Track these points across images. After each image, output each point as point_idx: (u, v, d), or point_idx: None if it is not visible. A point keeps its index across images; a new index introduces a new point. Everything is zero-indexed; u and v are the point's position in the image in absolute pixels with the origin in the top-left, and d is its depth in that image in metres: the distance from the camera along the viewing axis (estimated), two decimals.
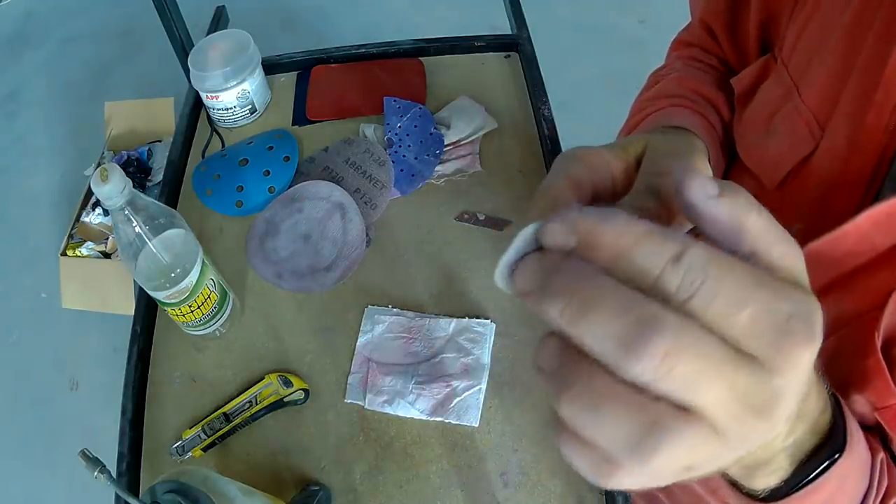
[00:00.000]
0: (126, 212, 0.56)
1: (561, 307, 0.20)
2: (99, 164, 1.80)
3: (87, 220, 1.69)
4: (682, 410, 0.20)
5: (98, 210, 1.68)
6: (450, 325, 0.70)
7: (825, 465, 0.29)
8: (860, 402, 0.39)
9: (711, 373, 0.19)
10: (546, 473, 0.62)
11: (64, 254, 1.67)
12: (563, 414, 0.21)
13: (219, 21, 1.06)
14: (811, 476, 0.29)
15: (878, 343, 0.37)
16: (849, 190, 0.42)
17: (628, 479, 0.21)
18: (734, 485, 0.31)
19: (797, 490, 0.29)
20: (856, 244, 0.38)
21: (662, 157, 0.33)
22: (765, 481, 0.29)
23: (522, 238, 0.24)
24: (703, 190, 0.22)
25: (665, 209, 0.30)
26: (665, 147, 0.34)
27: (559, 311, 0.20)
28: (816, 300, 0.22)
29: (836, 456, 0.29)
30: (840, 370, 0.40)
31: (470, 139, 0.85)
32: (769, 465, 0.28)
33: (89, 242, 1.67)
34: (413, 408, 0.65)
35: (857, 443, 0.31)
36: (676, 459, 0.20)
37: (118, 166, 0.56)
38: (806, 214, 0.46)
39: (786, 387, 0.20)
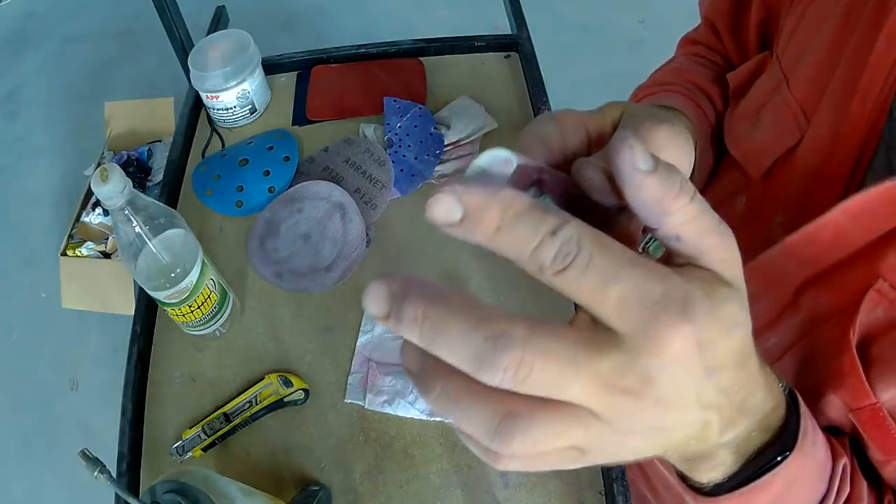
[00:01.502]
0: (126, 212, 0.56)
1: (417, 333, 0.21)
2: (99, 164, 1.80)
3: (87, 220, 1.70)
4: (541, 399, 0.21)
5: (98, 210, 1.68)
6: None
7: (773, 461, 0.29)
8: (835, 403, 0.38)
9: (569, 370, 0.20)
10: (546, 473, 0.62)
11: (64, 254, 1.67)
12: (434, 410, 0.22)
13: (219, 21, 1.06)
14: (754, 473, 0.28)
15: (853, 341, 0.36)
16: (831, 183, 0.41)
17: (512, 463, 0.22)
18: (683, 478, 0.31)
19: (740, 487, 0.29)
20: (832, 239, 0.37)
21: (638, 116, 0.32)
22: (708, 476, 0.29)
23: (486, 161, 0.24)
24: (634, 161, 0.22)
25: None
26: (644, 112, 0.34)
27: (416, 337, 0.21)
28: (730, 290, 0.23)
29: (785, 454, 0.29)
30: (815, 369, 0.40)
31: (470, 139, 0.85)
32: (711, 459, 0.28)
33: (89, 242, 1.67)
34: (413, 408, 0.65)
35: (811, 444, 0.30)
36: (542, 443, 0.21)
37: (118, 166, 0.56)
38: (789, 206, 0.45)
39: (657, 366, 0.21)
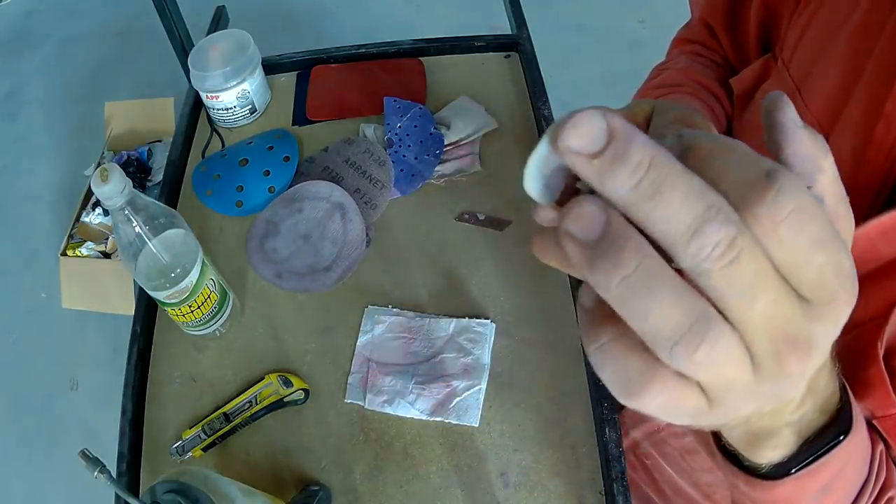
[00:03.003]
0: (126, 212, 0.56)
1: (635, 182, 0.18)
2: (99, 164, 1.80)
3: (87, 220, 1.69)
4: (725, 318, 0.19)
5: (98, 210, 1.68)
6: (450, 326, 0.70)
7: (830, 444, 0.29)
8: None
9: (766, 282, 0.19)
10: (546, 473, 0.62)
11: (64, 254, 1.67)
12: (613, 293, 0.19)
13: (219, 21, 1.06)
14: (816, 454, 0.29)
15: (881, 353, 0.37)
16: (854, 201, 0.42)
17: (659, 395, 0.20)
18: (735, 461, 0.31)
19: (800, 468, 0.29)
20: (861, 253, 0.38)
21: (673, 110, 0.32)
22: (769, 455, 0.29)
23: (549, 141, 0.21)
24: (794, 115, 0.21)
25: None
26: (675, 107, 0.33)
27: (630, 186, 0.18)
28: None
29: (842, 437, 0.29)
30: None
31: (470, 139, 0.85)
32: (775, 438, 0.28)
33: (89, 242, 1.67)
34: (413, 408, 0.65)
35: (862, 428, 0.31)
36: (718, 364, 0.19)
37: (118, 166, 0.56)
38: None
39: (822, 337, 0.20)
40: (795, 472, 0.29)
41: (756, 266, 0.18)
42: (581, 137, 0.18)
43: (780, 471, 0.29)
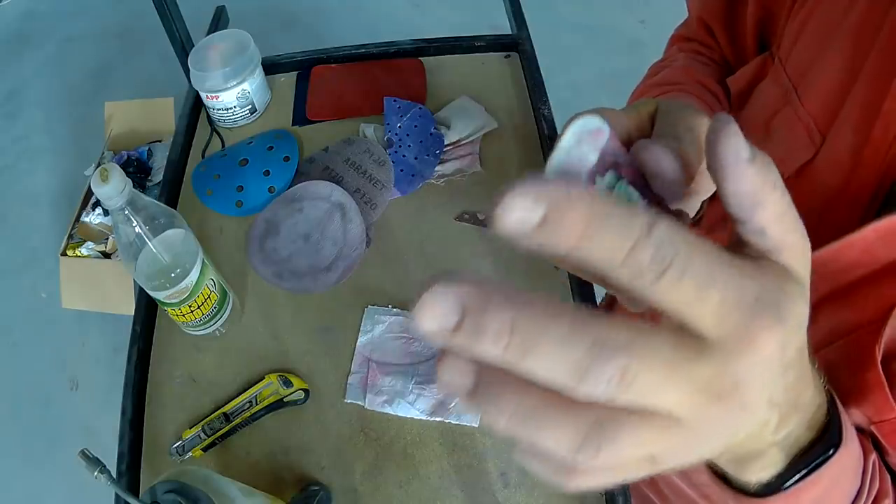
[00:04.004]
0: (126, 212, 0.56)
1: (501, 348, 0.18)
2: (99, 164, 1.80)
3: (87, 220, 1.70)
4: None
5: (98, 210, 1.68)
6: None
7: (819, 460, 0.29)
8: (856, 415, 0.39)
9: (670, 377, 0.19)
10: None
11: (64, 254, 1.67)
12: (503, 430, 0.19)
13: (219, 21, 1.06)
14: (805, 471, 0.28)
15: (879, 357, 0.37)
16: (850, 202, 0.42)
17: (590, 479, 0.20)
18: (725, 479, 0.31)
19: (791, 485, 0.29)
20: (858, 256, 0.38)
21: (677, 110, 0.32)
22: (758, 475, 0.28)
23: (579, 128, 0.21)
24: (737, 148, 0.21)
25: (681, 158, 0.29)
26: (677, 105, 0.33)
27: (497, 352, 0.18)
28: (800, 288, 0.22)
29: (832, 452, 0.29)
30: (836, 382, 0.40)
31: (470, 139, 0.85)
32: (762, 459, 0.27)
33: (89, 242, 1.67)
34: (413, 408, 0.65)
35: (852, 441, 0.31)
36: (628, 453, 0.19)
37: (118, 166, 0.56)
38: (804, 224, 0.45)
39: (747, 370, 0.20)
40: (785, 489, 0.29)
41: (655, 374, 0.18)
42: (434, 319, 0.18)
43: (769, 489, 0.29)
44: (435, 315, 0.18)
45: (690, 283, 0.19)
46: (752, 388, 0.20)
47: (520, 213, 0.18)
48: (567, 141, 0.21)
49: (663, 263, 0.18)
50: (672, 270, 0.18)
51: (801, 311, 0.22)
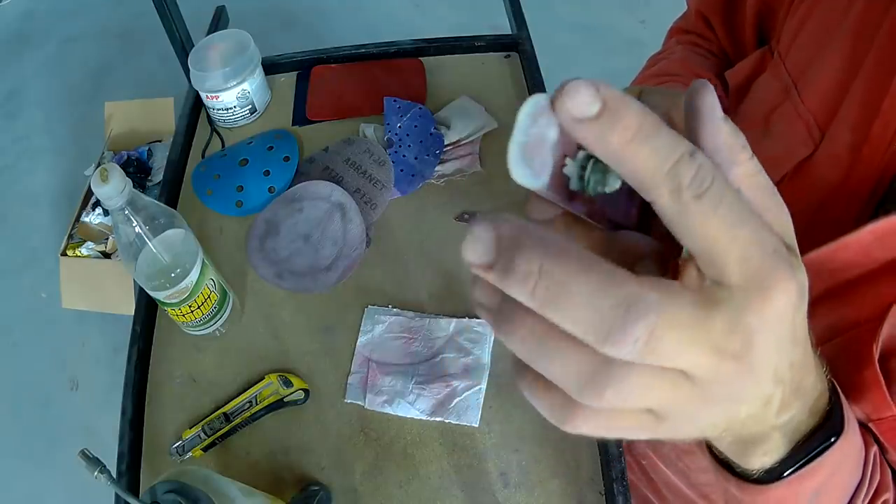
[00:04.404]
0: (126, 212, 0.56)
1: (528, 292, 0.18)
2: (99, 164, 1.80)
3: (87, 220, 1.69)
4: None
5: (98, 210, 1.68)
6: (450, 325, 0.70)
7: (821, 447, 0.29)
8: (854, 413, 0.39)
9: (693, 339, 0.19)
10: (546, 473, 0.62)
11: (64, 254, 1.67)
12: (517, 351, 0.20)
13: (219, 21, 1.06)
14: (807, 458, 0.28)
15: (876, 355, 0.37)
16: (848, 200, 0.42)
17: (589, 423, 0.21)
18: (727, 467, 0.31)
19: (792, 472, 0.29)
20: (855, 256, 0.38)
21: (662, 94, 0.32)
22: (760, 461, 0.28)
23: (532, 107, 0.21)
24: (713, 105, 0.21)
25: None
26: (662, 90, 0.33)
27: (526, 296, 0.19)
28: (792, 252, 0.22)
29: (833, 440, 0.29)
30: (834, 380, 0.40)
31: (470, 139, 0.85)
32: (765, 443, 0.28)
33: (89, 242, 1.67)
34: (413, 408, 0.65)
35: (854, 430, 0.31)
36: (633, 398, 0.19)
37: (118, 166, 0.56)
38: (801, 221, 0.45)
39: (758, 326, 0.20)
40: (787, 476, 0.29)
41: (678, 337, 0.18)
42: (475, 253, 0.19)
43: (771, 475, 0.29)
44: (474, 248, 0.19)
45: (724, 216, 0.19)
46: (761, 349, 0.20)
47: (584, 98, 0.18)
48: (523, 122, 0.21)
49: (702, 185, 0.18)
50: (710, 195, 0.19)
51: (803, 276, 0.22)
